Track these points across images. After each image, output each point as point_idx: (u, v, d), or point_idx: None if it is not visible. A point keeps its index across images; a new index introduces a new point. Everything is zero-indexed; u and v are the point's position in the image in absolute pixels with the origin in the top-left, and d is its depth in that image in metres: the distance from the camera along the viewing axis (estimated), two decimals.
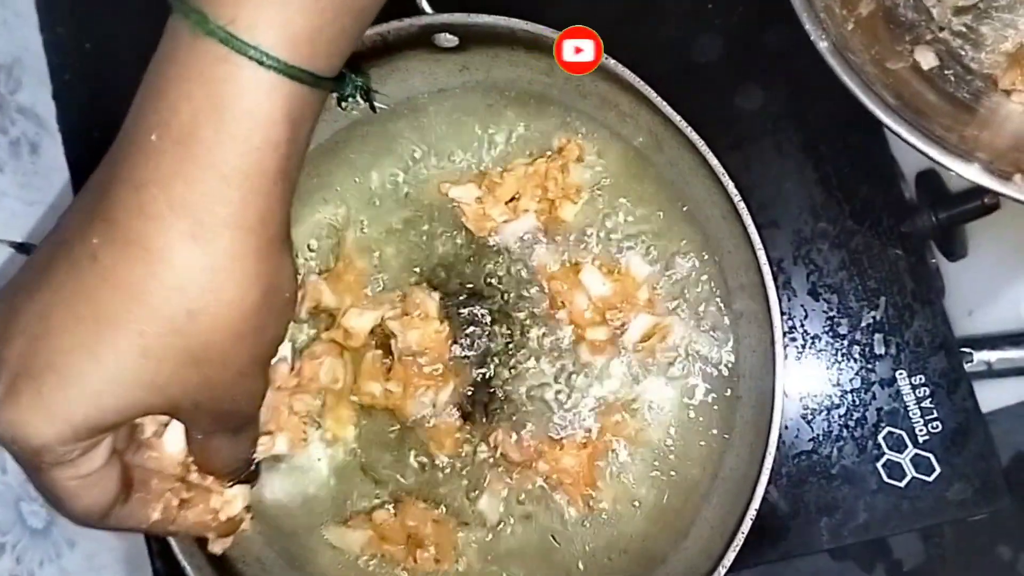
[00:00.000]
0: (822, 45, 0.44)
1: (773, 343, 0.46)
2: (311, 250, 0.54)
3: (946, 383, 0.54)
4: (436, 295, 0.52)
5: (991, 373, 0.56)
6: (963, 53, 0.50)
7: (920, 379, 0.54)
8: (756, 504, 0.45)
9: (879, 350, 0.55)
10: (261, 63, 0.31)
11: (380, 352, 0.52)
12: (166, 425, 0.38)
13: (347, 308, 0.52)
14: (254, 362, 0.35)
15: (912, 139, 0.42)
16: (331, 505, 0.52)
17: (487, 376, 0.52)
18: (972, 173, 0.42)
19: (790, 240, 0.56)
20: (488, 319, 0.53)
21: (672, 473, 0.51)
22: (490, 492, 0.51)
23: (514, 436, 0.51)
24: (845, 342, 0.55)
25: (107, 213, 0.32)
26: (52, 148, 0.58)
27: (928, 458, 0.54)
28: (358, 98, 0.43)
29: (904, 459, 0.54)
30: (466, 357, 0.52)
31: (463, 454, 0.52)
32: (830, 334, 0.55)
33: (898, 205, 0.56)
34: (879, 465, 0.54)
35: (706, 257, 0.51)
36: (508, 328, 0.52)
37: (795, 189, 0.56)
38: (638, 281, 0.51)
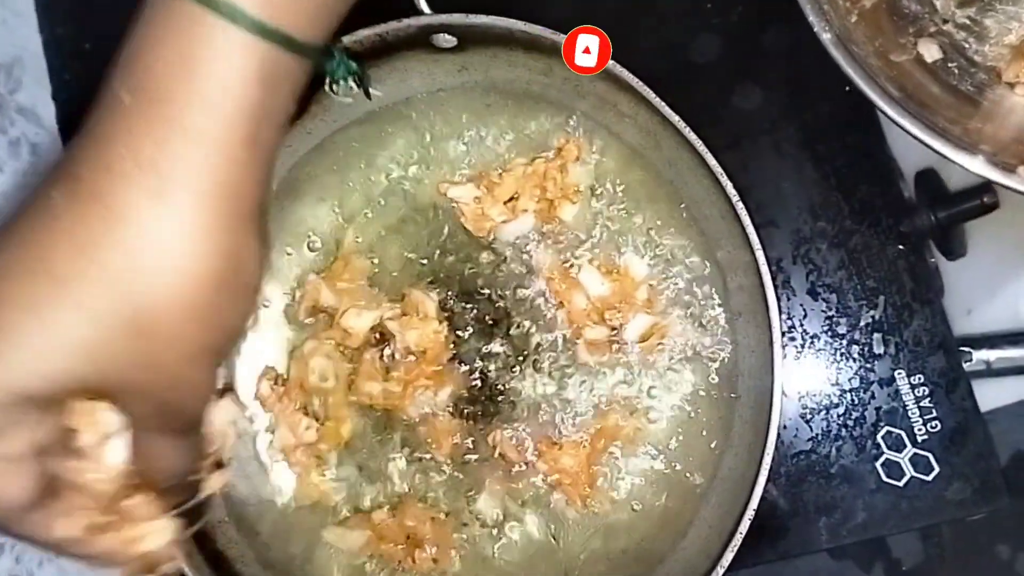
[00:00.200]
0: (825, 37, 0.43)
1: (772, 343, 0.46)
2: (311, 250, 0.54)
3: (945, 382, 0.54)
4: (435, 295, 0.52)
5: (990, 372, 0.56)
6: (967, 46, 0.49)
7: (919, 378, 0.54)
8: (755, 504, 0.45)
9: (878, 349, 0.55)
10: (234, 20, 0.30)
11: (379, 352, 0.52)
12: (109, 437, 0.32)
13: (346, 308, 0.52)
14: (203, 350, 0.33)
15: (916, 131, 0.42)
16: (330, 505, 0.52)
17: (486, 376, 0.52)
18: (976, 166, 0.42)
19: (789, 240, 0.56)
20: (487, 319, 0.53)
21: (671, 473, 0.51)
22: (489, 492, 0.51)
23: (513, 436, 0.51)
24: (844, 341, 0.55)
25: (73, 169, 0.31)
26: (52, 148, 0.58)
27: (927, 457, 0.54)
28: (351, 83, 0.42)
29: (903, 458, 0.54)
30: (465, 357, 0.52)
31: (462, 454, 0.52)
32: (829, 333, 0.55)
33: (897, 204, 0.56)
34: (878, 464, 0.54)
35: (705, 257, 0.52)
36: (507, 328, 0.53)
37: (794, 189, 0.56)
38: (636, 281, 0.51)
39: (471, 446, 0.52)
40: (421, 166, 0.54)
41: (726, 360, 0.51)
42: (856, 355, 0.55)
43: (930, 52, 0.49)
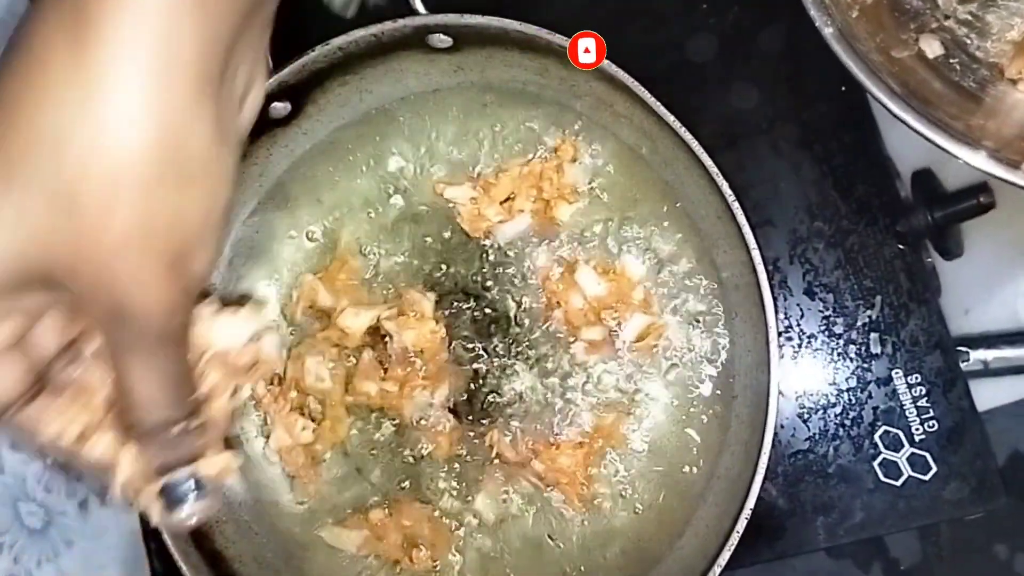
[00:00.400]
0: (827, 31, 0.43)
1: (768, 342, 0.46)
2: (310, 240, 0.54)
3: (942, 382, 0.54)
4: (432, 295, 0.52)
5: (987, 372, 0.56)
6: (968, 42, 0.49)
7: (916, 378, 0.54)
8: (751, 503, 0.45)
9: (875, 349, 0.55)
10: None
11: (376, 352, 0.52)
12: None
13: (343, 308, 0.52)
14: (146, 242, 0.28)
15: (919, 126, 0.42)
16: (327, 505, 0.52)
17: (483, 376, 0.52)
18: (979, 161, 0.41)
19: (786, 239, 0.56)
20: (483, 319, 0.53)
21: (667, 472, 0.51)
22: (486, 492, 0.52)
23: (510, 436, 0.51)
24: (841, 341, 0.55)
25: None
26: None
27: (924, 457, 0.54)
28: None
29: (900, 458, 0.54)
30: (462, 357, 0.53)
31: (459, 454, 0.52)
32: (826, 333, 0.55)
33: (894, 204, 0.56)
34: (875, 464, 0.54)
35: (701, 256, 0.52)
36: (504, 328, 0.53)
37: (790, 188, 0.56)
38: (633, 281, 0.52)
39: (468, 446, 0.52)
40: (417, 166, 0.54)
41: (723, 360, 0.51)
42: (853, 355, 0.55)
43: (932, 48, 0.48)
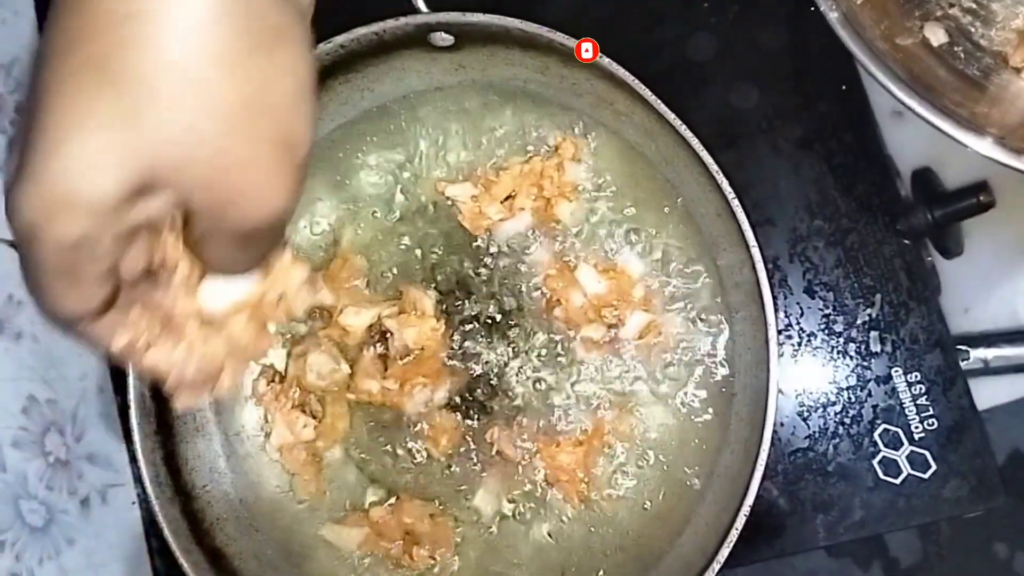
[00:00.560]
0: (832, 16, 0.43)
1: (767, 340, 0.46)
2: (312, 236, 0.54)
3: (942, 380, 0.54)
4: (432, 293, 0.52)
5: (987, 371, 0.56)
6: (973, 30, 0.49)
7: (916, 376, 0.55)
8: (750, 500, 0.45)
9: (875, 347, 0.55)
10: None
11: (377, 350, 0.52)
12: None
13: (344, 306, 0.52)
14: (247, 117, 0.29)
15: (924, 112, 0.42)
16: (328, 502, 0.52)
17: (483, 374, 0.52)
18: (985, 148, 0.41)
19: (786, 238, 0.56)
20: (484, 317, 0.53)
21: (667, 470, 0.51)
22: (486, 489, 0.52)
23: (510, 433, 0.51)
24: (841, 339, 0.55)
25: None
26: None
27: (924, 455, 0.54)
28: None
29: (900, 456, 0.54)
30: (462, 355, 0.53)
31: (459, 451, 0.52)
32: (826, 331, 0.56)
33: (894, 203, 0.56)
34: (875, 462, 0.54)
35: (702, 255, 0.52)
36: (504, 326, 0.53)
37: (791, 187, 0.56)
38: (633, 279, 0.52)
39: (469, 443, 0.52)
40: (419, 165, 0.54)
41: (722, 358, 0.51)
42: (853, 353, 0.55)
43: (936, 36, 0.48)
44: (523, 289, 0.53)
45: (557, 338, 0.52)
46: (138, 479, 0.57)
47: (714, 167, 0.46)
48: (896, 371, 0.55)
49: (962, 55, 0.48)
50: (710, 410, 0.51)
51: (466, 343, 0.53)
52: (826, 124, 0.57)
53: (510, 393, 0.52)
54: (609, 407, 0.52)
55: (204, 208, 0.30)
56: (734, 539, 0.45)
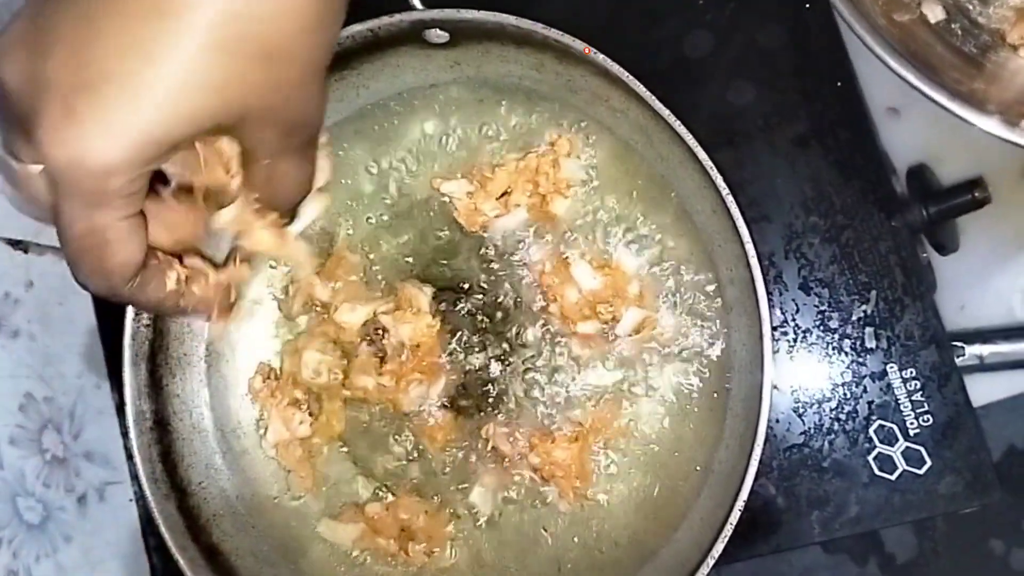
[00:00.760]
0: None
1: (762, 336, 0.46)
2: (308, 230, 0.54)
3: (937, 377, 0.55)
4: (428, 290, 0.52)
5: (983, 367, 0.57)
6: (970, 7, 0.49)
7: (911, 372, 0.55)
8: (744, 496, 0.45)
9: (870, 344, 0.55)
10: None
11: (372, 346, 0.52)
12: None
13: (339, 303, 0.52)
14: (317, 65, 0.32)
15: (922, 86, 0.42)
16: (323, 499, 0.53)
17: (479, 370, 0.53)
18: (989, 124, 0.41)
19: (781, 234, 0.56)
20: (480, 313, 0.53)
21: (663, 466, 0.51)
22: (482, 485, 0.52)
23: (505, 429, 0.52)
24: (836, 336, 0.55)
25: None
26: None
27: (919, 451, 0.54)
28: None
29: (895, 452, 0.54)
30: (458, 351, 0.53)
31: (455, 447, 0.52)
32: (821, 328, 0.56)
33: (889, 199, 0.56)
34: (870, 458, 0.54)
35: (697, 251, 0.52)
36: (499, 322, 0.53)
37: (786, 183, 0.56)
38: (628, 275, 0.52)
39: (464, 440, 0.52)
40: (414, 161, 0.54)
41: (718, 354, 0.51)
42: (848, 349, 0.55)
43: (934, 13, 0.48)
44: (518, 285, 0.53)
45: (552, 334, 0.52)
46: (135, 476, 0.57)
47: (709, 163, 0.46)
48: (891, 367, 0.55)
49: (959, 32, 0.48)
50: (705, 406, 0.51)
51: (462, 339, 0.53)
52: (822, 121, 0.57)
53: (505, 389, 0.52)
54: (604, 403, 0.52)
55: (270, 130, 0.32)
56: (729, 533, 0.45)
